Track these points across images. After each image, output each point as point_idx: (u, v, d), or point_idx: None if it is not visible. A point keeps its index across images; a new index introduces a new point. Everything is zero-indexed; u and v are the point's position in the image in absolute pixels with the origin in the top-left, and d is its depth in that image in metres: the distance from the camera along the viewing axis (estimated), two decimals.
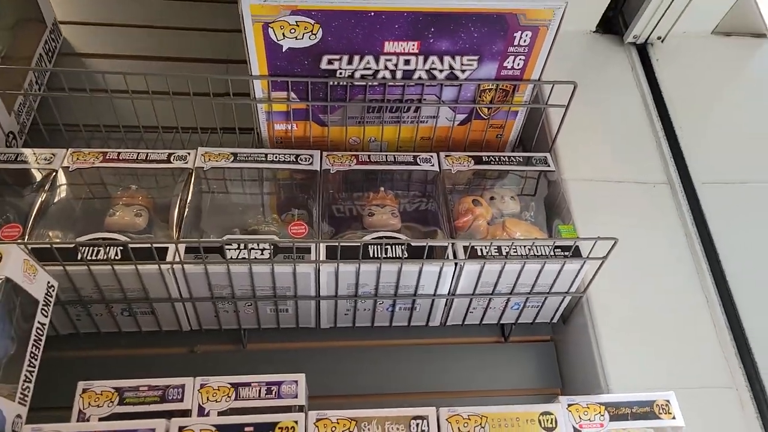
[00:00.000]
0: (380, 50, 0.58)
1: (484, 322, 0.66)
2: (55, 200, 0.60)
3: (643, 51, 0.83)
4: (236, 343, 0.65)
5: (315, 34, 0.56)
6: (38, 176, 0.61)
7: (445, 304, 0.62)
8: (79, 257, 0.52)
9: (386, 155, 0.66)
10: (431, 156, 0.66)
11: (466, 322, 0.65)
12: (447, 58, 0.60)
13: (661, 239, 0.69)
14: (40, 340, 0.45)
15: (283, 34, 0.56)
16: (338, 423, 0.40)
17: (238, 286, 0.56)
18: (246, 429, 0.40)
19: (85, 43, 0.87)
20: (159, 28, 0.90)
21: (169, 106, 0.67)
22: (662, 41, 0.83)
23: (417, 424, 0.41)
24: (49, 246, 0.51)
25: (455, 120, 0.68)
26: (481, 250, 0.56)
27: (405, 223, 0.63)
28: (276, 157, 0.64)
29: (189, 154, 0.64)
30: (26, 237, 0.55)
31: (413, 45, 0.58)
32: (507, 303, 0.62)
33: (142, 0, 0.93)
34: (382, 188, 0.66)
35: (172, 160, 0.64)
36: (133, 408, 0.46)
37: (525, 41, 0.59)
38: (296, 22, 0.55)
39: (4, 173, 0.61)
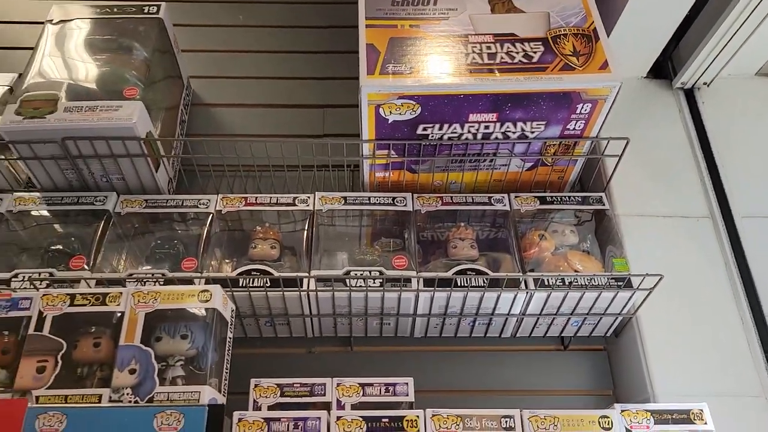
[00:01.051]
0: (465, 120, 0.73)
1: (547, 335, 0.80)
2: (213, 237, 0.78)
3: (690, 95, 0.94)
4: (345, 346, 0.82)
5: (415, 111, 0.71)
6: (199, 217, 0.80)
7: (516, 321, 0.76)
8: (241, 284, 0.70)
9: (465, 196, 0.81)
10: (503, 197, 0.81)
11: (532, 335, 0.80)
12: (519, 124, 0.74)
13: (703, 267, 0.81)
14: (230, 347, 0.63)
15: (390, 111, 0.71)
16: (448, 418, 0.56)
17: (355, 306, 0.73)
18: (383, 420, 0.56)
19: (211, 94, 1.05)
20: (269, 79, 1.07)
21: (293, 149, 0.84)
22: (708, 86, 0.94)
23: (506, 421, 0.56)
24: (224, 277, 0.69)
25: (524, 167, 0.81)
26: (548, 280, 0.71)
27: (482, 252, 0.78)
28: (377, 200, 0.80)
29: (309, 197, 0.81)
30: (202, 270, 0.73)
31: (493, 116, 0.72)
32: (567, 321, 0.76)
33: (254, 57, 1.10)
34: (462, 223, 0.81)
35: (296, 203, 0.81)
36: (290, 399, 0.63)
37: (585, 110, 0.72)
38: (401, 103, 0.70)
39: (175, 215, 0.80)
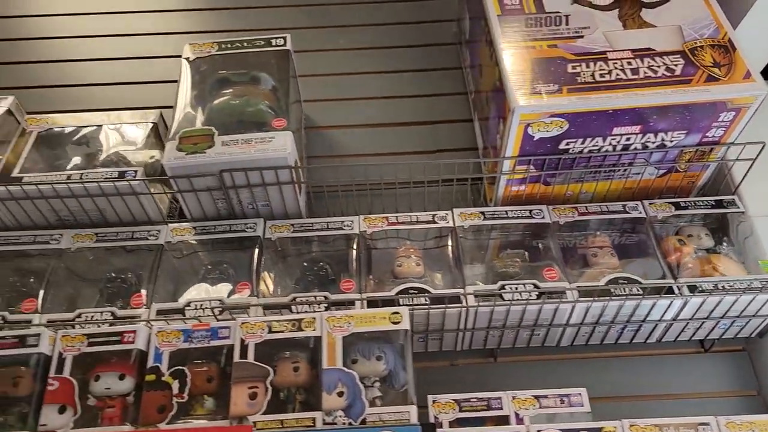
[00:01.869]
0: (609, 133, 0.75)
1: (691, 338, 0.82)
2: (360, 257, 0.81)
3: None
4: (488, 357, 0.85)
5: (562, 127, 0.73)
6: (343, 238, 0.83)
7: (665, 327, 0.78)
8: (402, 303, 0.73)
9: (599, 206, 0.83)
10: (637, 204, 0.82)
11: (678, 339, 0.81)
12: (660, 134, 0.75)
13: None
14: None
15: (538, 129, 0.73)
16: (646, 428, 0.58)
17: (510, 318, 0.75)
18: None
19: (322, 116, 1.08)
20: (376, 99, 1.10)
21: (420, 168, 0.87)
22: None
23: (703, 429, 0.58)
24: (384, 298, 0.72)
25: (657, 174, 0.83)
26: (701, 285, 0.72)
27: (622, 260, 0.80)
28: (514, 213, 0.83)
29: (447, 214, 0.84)
30: (360, 291, 0.76)
31: (636, 128, 0.74)
32: (716, 324, 0.78)
33: (359, 78, 1.13)
34: (598, 232, 0.83)
35: (436, 220, 0.83)
36: (468, 414, 0.66)
37: (728, 118, 0.74)
38: (551, 121, 0.72)
39: (321, 238, 0.83)
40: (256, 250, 0.81)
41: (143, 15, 1.24)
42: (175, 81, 0.88)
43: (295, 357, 0.63)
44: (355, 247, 0.82)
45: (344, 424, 0.57)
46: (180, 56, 0.91)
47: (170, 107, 0.88)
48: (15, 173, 0.81)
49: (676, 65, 0.73)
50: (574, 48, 0.76)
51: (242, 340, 0.62)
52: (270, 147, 0.78)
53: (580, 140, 0.76)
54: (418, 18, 1.22)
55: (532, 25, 0.79)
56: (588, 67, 0.74)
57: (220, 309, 0.73)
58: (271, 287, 0.79)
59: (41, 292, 0.76)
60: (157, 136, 0.90)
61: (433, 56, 1.16)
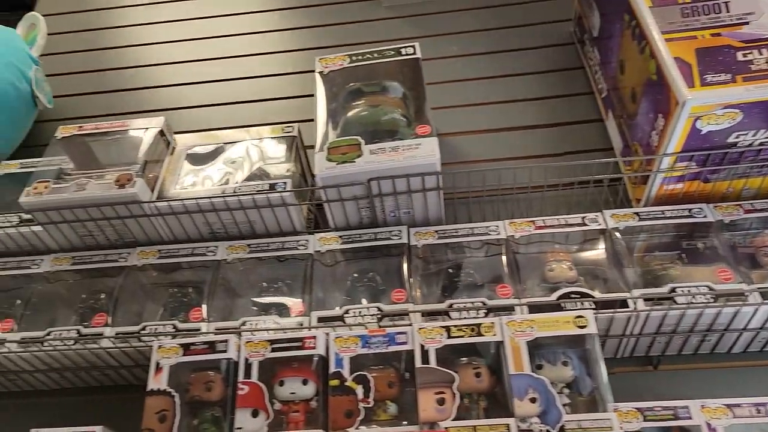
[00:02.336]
0: None
1: None
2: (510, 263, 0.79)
3: None
4: (646, 365, 0.80)
5: (734, 119, 0.69)
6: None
7: None
8: (566, 308, 0.71)
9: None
10: None
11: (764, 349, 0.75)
12: None
13: None
14: None
15: (708, 122, 0.70)
16: None
17: (683, 323, 0.71)
18: None
19: (442, 123, 1.08)
20: (495, 104, 1.09)
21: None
22: None
23: None
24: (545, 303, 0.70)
25: None
26: None
27: None
28: (672, 213, 0.79)
29: (597, 216, 0.81)
30: (519, 296, 0.74)
31: None
32: None
33: (476, 84, 1.12)
34: (767, 230, 0.77)
35: (586, 222, 0.81)
36: (653, 423, 0.62)
37: None
38: (723, 113, 0.69)
39: (460, 245, 0.82)
40: (404, 257, 0.81)
41: (265, 35, 1.29)
42: (302, 96, 0.90)
43: (475, 362, 0.61)
44: (504, 252, 0.80)
45: (541, 431, 0.55)
46: (307, 71, 0.93)
47: (302, 121, 0.91)
48: (172, 190, 0.85)
49: None
50: (740, 35, 0.72)
51: (422, 346, 0.61)
52: (418, 153, 0.78)
53: (752, 132, 0.71)
54: (530, 20, 1.20)
55: (688, 15, 0.75)
56: (761, 54, 0.69)
57: (380, 316, 0.73)
58: (419, 294, 0.79)
59: (204, 302, 0.79)
60: (292, 149, 0.92)
61: (549, 57, 1.13)
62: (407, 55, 0.93)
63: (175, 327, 0.75)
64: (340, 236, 0.84)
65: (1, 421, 0.84)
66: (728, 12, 0.74)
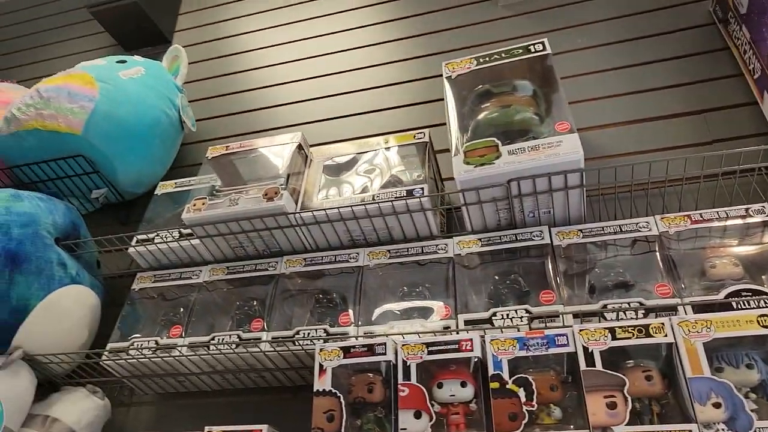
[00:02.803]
0: None
1: None
2: (666, 259, 0.75)
3: None
4: None
5: None
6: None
7: None
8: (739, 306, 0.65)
9: None
10: None
11: None
12: None
13: None
14: None
15: None
16: None
17: None
18: None
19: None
20: (635, 93, 1.03)
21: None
22: None
23: None
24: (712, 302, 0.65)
25: None
26: None
27: None
28: None
29: (765, 206, 0.74)
30: (680, 295, 0.69)
31: None
32: None
33: (613, 74, 1.07)
34: None
35: (751, 213, 0.74)
36: None
37: None
38: None
39: (604, 243, 0.78)
40: (549, 258, 0.79)
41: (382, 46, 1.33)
42: (429, 101, 0.91)
43: (643, 365, 0.58)
44: (657, 249, 0.75)
45: None
46: (433, 76, 0.94)
47: (432, 126, 0.91)
48: (314, 200, 0.89)
49: None
50: None
51: (585, 348, 0.59)
52: (560, 151, 0.76)
53: None
54: (661, 3, 1.13)
55: None
56: None
57: (530, 317, 0.72)
58: (565, 295, 0.76)
59: (350, 307, 0.82)
60: (425, 154, 0.93)
61: (687, 41, 1.06)
62: (537, 52, 0.91)
63: (326, 331, 0.79)
64: (479, 239, 0.83)
65: (178, 417, 0.92)
66: None
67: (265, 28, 1.50)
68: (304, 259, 0.90)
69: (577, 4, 1.20)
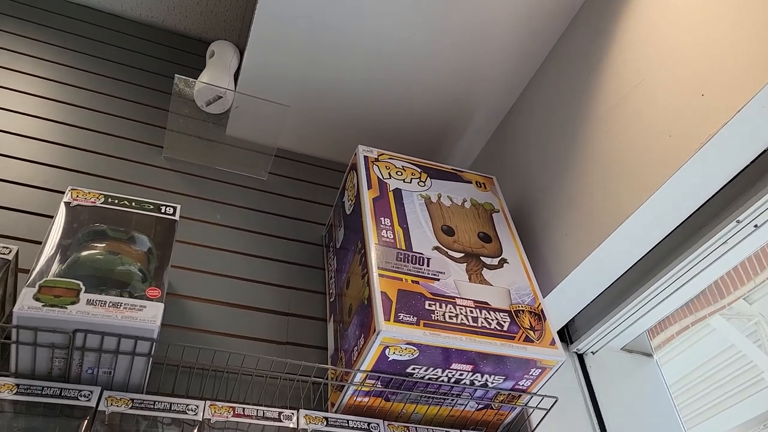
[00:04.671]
0: (448, 366, 0.88)
1: None
2: None
3: (581, 358, 1.21)
4: None
5: (413, 354, 0.85)
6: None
7: None
8: None
9: (427, 428, 0.92)
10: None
11: None
12: (485, 375, 0.91)
13: None
14: None
15: (394, 352, 0.84)
16: None
17: None
18: None
19: (183, 285, 1.09)
20: (241, 280, 1.14)
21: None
22: (594, 354, 1.22)
23: None
24: None
25: (476, 407, 0.97)
26: None
27: None
28: (354, 424, 0.88)
29: (293, 414, 0.86)
30: None
31: (469, 367, 0.88)
32: None
33: (231, 256, 1.18)
34: None
35: (281, 418, 0.85)
36: None
37: (535, 373, 0.92)
38: (406, 347, 0.84)
39: (155, 420, 0.79)
40: (85, 422, 0.74)
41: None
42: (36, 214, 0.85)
43: None
44: None
45: None
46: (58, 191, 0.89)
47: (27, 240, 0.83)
48: None
49: (504, 322, 0.91)
50: (431, 288, 0.91)
51: None
52: (139, 316, 0.77)
53: (424, 368, 0.87)
54: (293, 215, 1.34)
55: (401, 260, 0.94)
56: (441, 307, 0.89)
57: None
58: None
59: None
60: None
61: (299, 251, 1.26)
62: (166, 214, 0.96)
63: None
64: (18, 384, 0.74)
65: None
66: (428, 266, 0.95)
67: None
68: None
69: (224, 183, 1.32)
